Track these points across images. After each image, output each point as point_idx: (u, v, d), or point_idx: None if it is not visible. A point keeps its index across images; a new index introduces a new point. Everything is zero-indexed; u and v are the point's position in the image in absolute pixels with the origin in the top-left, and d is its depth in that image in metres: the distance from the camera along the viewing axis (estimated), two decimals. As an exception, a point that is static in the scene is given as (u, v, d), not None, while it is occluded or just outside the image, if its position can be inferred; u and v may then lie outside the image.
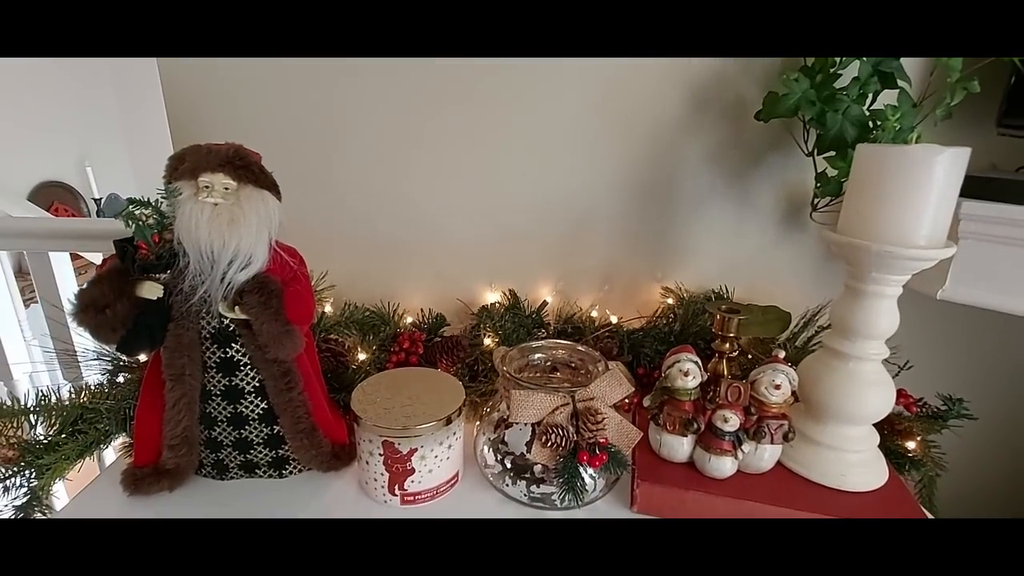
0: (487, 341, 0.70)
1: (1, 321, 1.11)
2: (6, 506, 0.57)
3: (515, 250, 0.75)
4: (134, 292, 0.47)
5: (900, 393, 0.65)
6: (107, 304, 0.46)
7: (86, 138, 2.68)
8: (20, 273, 2.28)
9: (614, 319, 0.73)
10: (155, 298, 0.48)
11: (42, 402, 0.60)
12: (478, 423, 0.60)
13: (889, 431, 0.63)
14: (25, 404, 0.59)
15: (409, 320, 0.73)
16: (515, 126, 0.70)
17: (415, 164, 0.71)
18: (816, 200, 0.66)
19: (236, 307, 0.49)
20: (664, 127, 0.70)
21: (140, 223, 0.47)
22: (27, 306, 1.93)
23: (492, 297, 0.75)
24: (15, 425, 0.59)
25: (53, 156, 2.55)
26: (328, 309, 0.71)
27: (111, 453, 0.63)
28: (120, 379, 0.65)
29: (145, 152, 2.83)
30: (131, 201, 0.48)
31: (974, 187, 0.59)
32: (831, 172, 0.61)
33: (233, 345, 0.51)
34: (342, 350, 0.65)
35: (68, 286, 1.02)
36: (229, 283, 0.48)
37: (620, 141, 0.71)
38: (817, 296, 0.72)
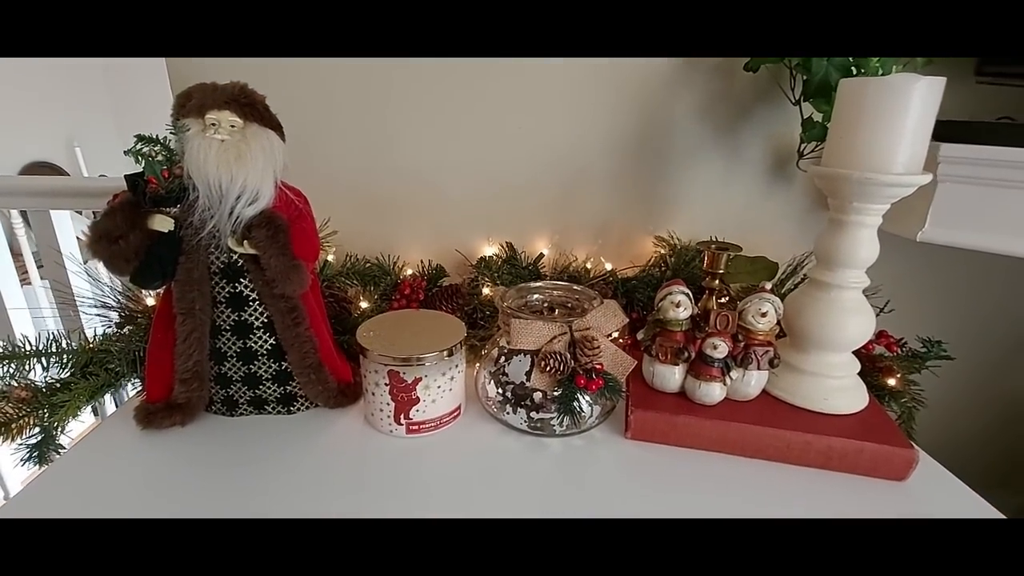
0: (485, 291, 0.72)
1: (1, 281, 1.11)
2: (20, 445, 0.59)
3: (511, 205, 0.77)
4: (146, 224, 0.49)
5: (881, 334, 0.68)
6: (120, 235, 0.47)
7: (75, 118, 2.65)
8: (13, 254, 2.26)
9: (609, 266, 0.76)
10: (166, 231, 0.49)
11: (52, 346, 0.61)
12: (478, 364, 0.62)
13: (871, 368, 0.65)
14: (36, 347, 0.61)
15: (409, 272, 0.75)
16: (510, 84, 0.71)
17: (412, 122, 0.73)
18: (802, 146, 0.68)
19: (244, 241, 0.50)
20: (655, 82, 0.72)
21: (150, 159, 0.48)
22: (22, 285, 1.92)
23: (490, 250, 0.77)
24: (27, 368, 0.60)
25: (41, 136, 2.52)
26: (331, 258, 0.72)
27: (112, 406, 0.64)
28: (126, 331, 0.66)
29: (135, 132, 2.80)
30: (139, 138, 0.49)
31: (952, 131, 0.61)
32: (816, 117, 0.64)
33: (242, 280, 0.53)
34: (345, 296, 0.67)
35: (70, 243, 1.03)
36: (237, 217, 0.49)
37: (613, 97, 0.72)
38: (803, 245, 0.75)
